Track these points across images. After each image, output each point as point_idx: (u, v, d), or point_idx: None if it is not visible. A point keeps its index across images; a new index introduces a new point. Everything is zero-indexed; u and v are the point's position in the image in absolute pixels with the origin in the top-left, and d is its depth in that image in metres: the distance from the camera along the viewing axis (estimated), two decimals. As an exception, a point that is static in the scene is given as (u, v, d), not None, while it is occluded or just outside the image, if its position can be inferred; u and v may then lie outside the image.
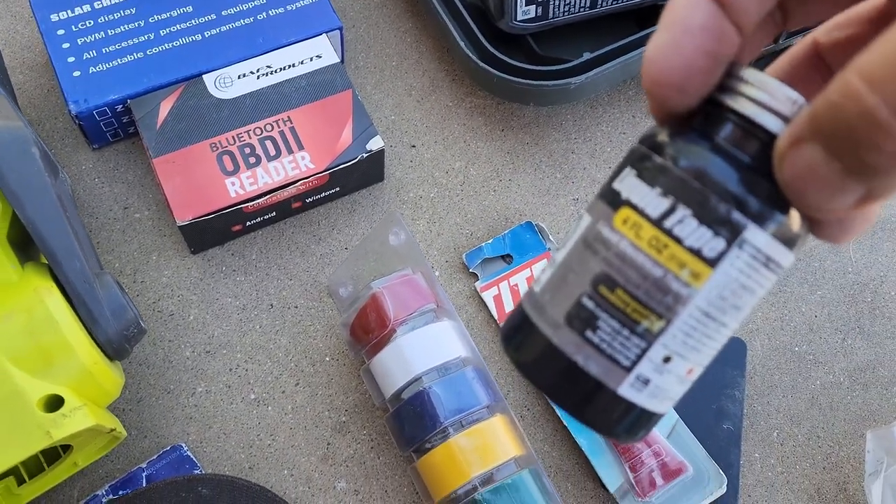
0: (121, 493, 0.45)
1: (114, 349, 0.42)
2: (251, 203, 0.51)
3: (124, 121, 0.55)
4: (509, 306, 0.52)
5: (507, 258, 0.54)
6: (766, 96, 0.20)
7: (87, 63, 0.54)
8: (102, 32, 0.55)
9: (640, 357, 0.21)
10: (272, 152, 0.52)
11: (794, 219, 0.21)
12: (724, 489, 0.46)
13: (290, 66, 0.55)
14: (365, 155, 0.52)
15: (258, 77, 0.55)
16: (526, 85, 0.54)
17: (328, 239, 0.55)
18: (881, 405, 0.52)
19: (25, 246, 0.44)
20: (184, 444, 0.47)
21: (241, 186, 0.51)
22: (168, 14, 0.56)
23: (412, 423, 0.44)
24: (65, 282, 0.41)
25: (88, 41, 0.55)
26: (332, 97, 0.54)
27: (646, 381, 0.21)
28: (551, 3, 0.55)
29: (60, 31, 0.55)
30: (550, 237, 0.55)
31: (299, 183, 0.51)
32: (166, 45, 0.55)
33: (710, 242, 0.20)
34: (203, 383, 0.50)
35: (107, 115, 0.54)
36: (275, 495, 0.45)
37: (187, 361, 0.50)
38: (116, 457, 0.47)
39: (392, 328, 0.46)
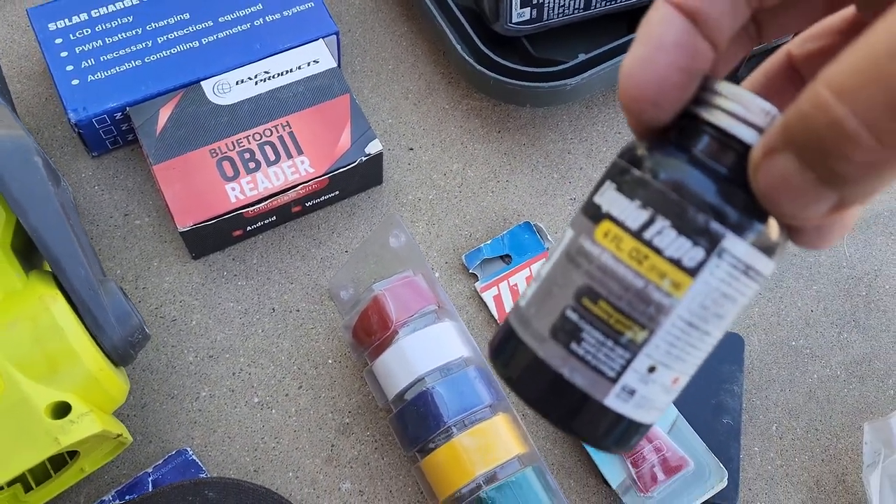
0: (127, 497, 0.46)
1: (119, 355, 0.42)
2: (251, 208, 0.51)
3: (123, 128, 0.55)
4: (509, 306, 0.53)
5: (506, 258, 0.55)
6: (741, 108, 0.21)
7: (85, 71, 0.54)
8: (100, 41, 0.55)
9: (624, 368, 0.21)
10: (271, 157, 0.52)
11: (772, 227, 0.21)
12: (724, 483, 0.46)
13: (287, 72, 0.56)
14: (364, 158, 0.53)
15: (256, 83, 0.55)
16: (522, 86, 0.55)
17: (328, 242, 0.55)
18: (878, 397, 0.53)
19: (29, 254, 0.45)
20: (189, 449, 0.48)
21: (242, 192, 0.51)
22: (165, 21, 0.57)
23: (416, 423, 0.45)
24: (69, 289, 0.41)
25: (86, 49, 0.55)
26: (330, 101, 0.55)
27: (631, 392, 0.22)
28: (546, 5, 0.56)
29: (58, 40, 0.55)
30: (549, 237, 0.55)
31: (299, 187, 0.52)
32: (164, 52, 0.56)
33: (690, 252, 0.20)
34: (207, 388, 0.50)
35: (106, 123, 0.54)
36: (280, 497, 0.45)
37: (190, 366, 0.50)
38: (122, 462, 0.48)
39: (394, 330, 0.46)
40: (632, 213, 0.21)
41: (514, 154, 0.59)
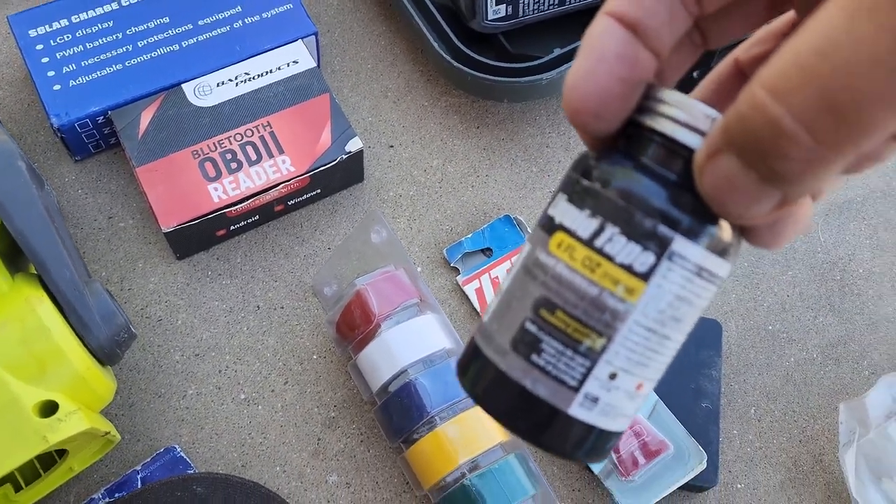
0: (116, 495, 0.46)
1: (105, 354, 0.43)
2: (234, 207, 0.52)
3: (106, 132, 0.56)
4: (491, 298, 0.54)
5: (486, 251, 0.56)
6: (683, 114, 0.21)
7: (66, 76, 0.55)
8: (81, 46, 0.56)
9: (585, 376, 0.21)
10: (253, 157, 0.53)
11: (723, 229, 0.21)
12: (704, 465, 0.47)
13: (267, 73, 0.56)
14: (344, 156, 0.54)
15: (237, 84, 0.56)
16: (499, 82, 0.56)
17: (311, 240, 0.56)
18: (853, 378, 0.54)
19: (14, 257, 0.45)
20: (177, 446, 0.48)
21: (224, 192, 0.52)
22: (145, 26, 0.57)
23: (400, 414, 0.46)
24: (55, 290, 0.42)
25: (67, 55, 0.56)
26: (310, 101, 0.55)
27: (595, 399, 0.22)
28: (521, 1, 0.57)
29: (39, 46, 0.56)
30: (528, 229, 0.56)
31: (281, 186, 0.53)
32: (145, 56, 0.56)
33: (640, 257, 0.21)
34: (193, 386, 0.51)
35: (88, 127, 0.55)
36: (268, 491, 0.46)
37: (177, 365, 0.51)
38: (111, 461, 0.48)
39: (377, 323, 0.47)
40: (582, 222, 0.21)
41: (493, 149, 0.60)
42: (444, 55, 0.57)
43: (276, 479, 0.48)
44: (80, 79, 0.55)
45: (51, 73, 0.55)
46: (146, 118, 0.54)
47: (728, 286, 0.57)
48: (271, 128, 0.54)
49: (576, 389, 0.22)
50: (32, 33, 0.56)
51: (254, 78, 0.56)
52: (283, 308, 0.53)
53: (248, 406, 0.50)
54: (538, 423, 0.22)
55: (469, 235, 0.56)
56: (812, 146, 0.17)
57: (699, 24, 0.24)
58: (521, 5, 0.57)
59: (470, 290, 0.54)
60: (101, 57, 0.56)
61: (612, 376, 0.22)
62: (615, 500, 0.47)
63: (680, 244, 0.21)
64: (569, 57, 0.57)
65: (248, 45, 0.57)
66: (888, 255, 0.59)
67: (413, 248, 0.56)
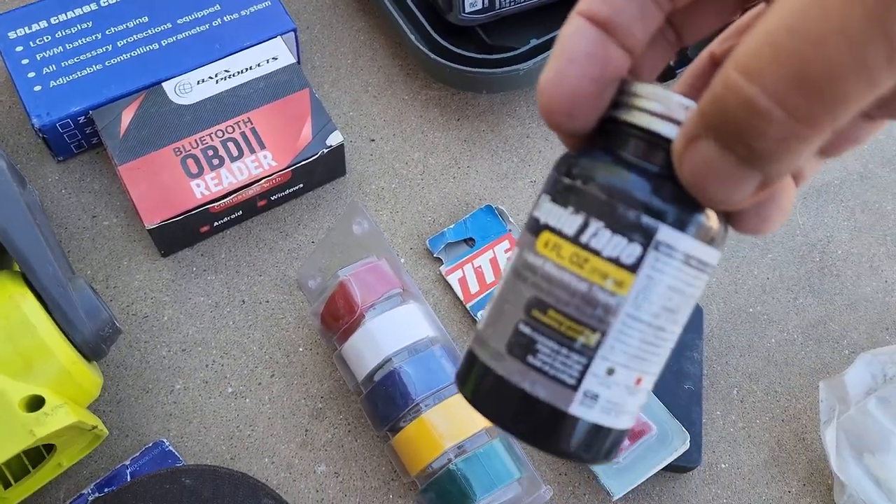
0: (106, 490, 0.47)
1: (90, 349, 0.43)
2: (217, 203, 0.52)
3: (87, 132, 0.56)
4: (474, 288, 0.54)
5: (469, 241, 0.56)
6: (659, 106, 0.21)
7: (47, 77, 0.55)
8: (61, 47, 0.56)
9: (583, 373, 0.21)
10: (235, 153, 0.53)
11: (708, 216, 0.21)
12: (687, 446, 0.48)
13: (247, 69, 0.57)
14: (325, 150, 0.54)
15: (217, 81, 0.56)
16: (477, 73, 0.56)
17: (295, 234, 0.56)
18: (833, 358, 0.55)
19: (-3, 255, 0.45)
20: (165, 440, 0.49)
21: (207, 188, 0.52)
22: (124, 25, 0.58)
23: (385, 402, 0.46)
24: (39, 287, 0.42)
25: (47, 56, 0.56)
26: (290, 97, 0.56)
27: (594, 397, 0.22)
28: (497, -6, 0.57)
29: (19, 48, 0.56)
30: (510, 219, 0.57)
31: (263, 181, 0.53)
32: (124, 55, 0.57)
33: (627, 249, 0.21)
34: (181, 380, 0.51)
35: (70, 127, 0.55)
36: (256, 481, 0.46)
37: (164, 360, 0.51)
38: (100, 457, 0.49)
39: (360, 313, 0.48)
40: (567, 219, 0.22)
41: (474, 140, 0.61)
42: (423, 48, 0.58)
43: (265, 470, 0.49)
44: (60, 79, 0.55)
45: (31, 75, 0.55)
46: (127, 117, 0.54)
47: (709, 270, 0.57)
48: (252, 124, 0.55)
49: (574, 388, 0.21)
50: (12, 35, 0.56)
51: (234, 75, 0.56)
52: (268, 302, 0.54)
53: (235, 399, 0.51)
54: (541, 425, 0.22)
55: (451, 226, 0.56)
56: (788, 123, 0.17)
57: (672, 19, 0.24)
58: (497, -3, 0.58)
59: (453, 279, 0.55)
60: (81, 57, 0.56)
61: (610, 372, 0.22)
62: (600, 481, 0.47)
63: (665, 233, 0.21)
64: (546, 47, 0.57)
65: (228, 43, 0.58)
66: (866, 236, 0.60)
67: (396, 239, 0.56)
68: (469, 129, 0.61)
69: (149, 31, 0.58)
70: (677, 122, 0.21)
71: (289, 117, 0.55)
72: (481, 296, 0.54)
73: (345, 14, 0.66)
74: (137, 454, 0.48)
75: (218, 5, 0.59)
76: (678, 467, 0.49)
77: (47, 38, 0.57)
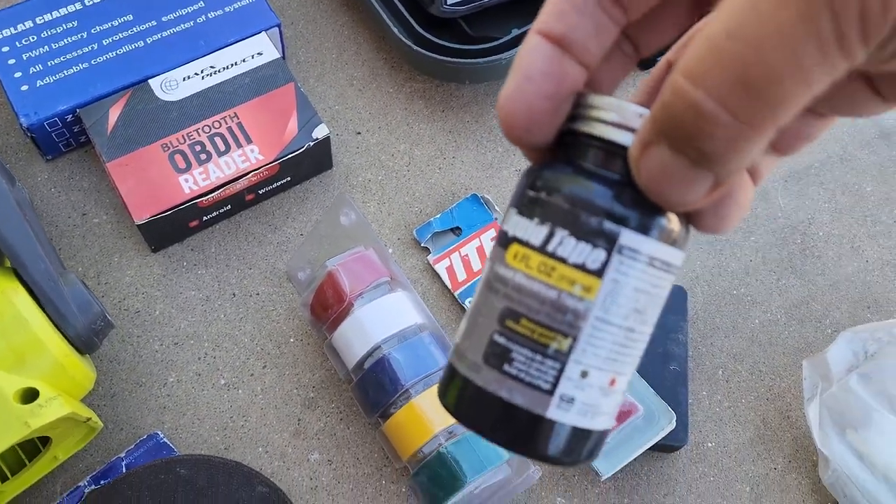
0: (102, 482, 0.47)
1: (83, 342, 0.44)
2: (205, 198, 0.53)
3: (75, 130, 0.56)
4: (462, 276, 0.55)
5: (456, 230, 0.57)
6: (615, 115, 0.22)
7: (34, 77, 0.56)
8: (47, 46, 0.57)
9: (558, 378, 0.22)
10: (222, 148, 0.54)
11: (669, 218, 0.22)
12: (673, 425, 0.49)
13: (232, 65, 0.57)
14: (311, 143, 0.55)
15: (203, 77, 0.57)
16: (459, 64, 0.57)
17: (283, 227, 0.57)
18: (816, 337, 0.56)
19: (-11, 252, 0.46)
20: (160, 433, 0.49)
21: (195, 182, 0.53)
22: (110, 24, 0.58)
23: (376, 389, 0.47)
24: (31, 282, 0.43)
25: (34, 55, 0.56)
26: (276, 91, 0.56)
27: (570, 400, 0.22)
28: (478, -15, 0.58)
29: (5, 48, 0.56)
30: (496, 207, 0.57)
31: (250, 174, 0.54)
32: (110, 53, 0.57)
33: (592, 255, 0.22)
34: (174, 373, 0.52)
35: (58, 126, 0.55)
36: (250, 469, 0.47)
37: (157, 354, 0.52)
38: (95, 450, 0.49)
39: (349, 302, 0.48)
40: (533, 230, 0.22)
41: (459, 131, 0.61)
42: (406, 40, 0.58)
43: (259, 459, 0.49)
44: (47, 78, 0.56)
45: (18, 74, 0.56)
46: (114, 114, 0.55)
47: (693, 254, 0.58)
48: (238, 118, 0.55)
49: (550, 392, 0.22)
50: (-2, 36, 0.57)
51: (219, 71, 0.57)
52: (258, 294, 0.54)
53: (228, 391, 0.51)
54: (521, 431, 0.23)
55: (438, 216, 0.57)
56: (732, 124, 0.18)
57: (628, 32, 0.24)
58: (479, -11, 0.58)
59: (441, 268, 0.55)
60: (68, 56, 0.57)
61: (584, 374, 0.22)
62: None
63: (627, 238, 0.22)
64: (527, 37, 0.58)
65: (213, 39, 0.58)
66: (846, 217, 0.61)
67: (384, 230, 0.57)
68: (454, 119, 0.62)
69: (134, 29, 0.58)
70: (633, 130, 0.22)
71: (275, 112, 0.56)
72: (469, 283, 0.55)
73: (329, 9, 0.66)
74: (132, 446, 0.49)
75: (202, 2, 0.60)
76: (665, 447, 0.50)
77: (33, 38, 0.57)
